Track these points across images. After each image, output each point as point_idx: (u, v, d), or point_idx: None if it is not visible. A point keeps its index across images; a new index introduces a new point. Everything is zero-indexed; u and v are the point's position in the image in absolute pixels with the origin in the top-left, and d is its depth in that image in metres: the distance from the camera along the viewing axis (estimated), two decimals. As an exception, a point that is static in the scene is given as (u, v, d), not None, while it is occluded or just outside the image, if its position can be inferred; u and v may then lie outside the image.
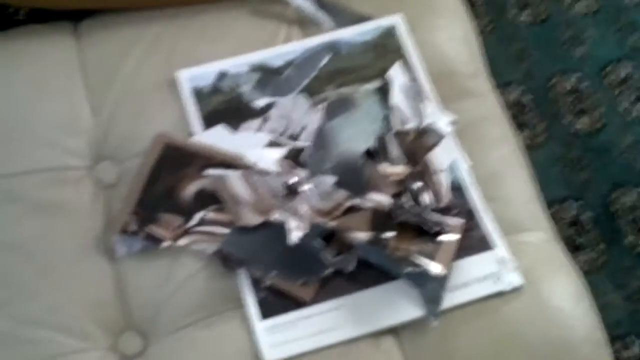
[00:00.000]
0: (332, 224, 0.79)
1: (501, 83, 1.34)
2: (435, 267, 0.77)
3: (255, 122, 0.86)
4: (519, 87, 1.35)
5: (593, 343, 0.78)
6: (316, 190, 0.82)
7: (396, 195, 0.81)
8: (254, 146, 0.85)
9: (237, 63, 0.89)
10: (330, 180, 0.82)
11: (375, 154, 0.84)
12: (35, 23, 0.95)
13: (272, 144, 0.85)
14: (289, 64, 0.90)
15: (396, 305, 0.77)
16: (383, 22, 0.92)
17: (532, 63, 1.37)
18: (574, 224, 1.25)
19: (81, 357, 0.76)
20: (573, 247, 1.23)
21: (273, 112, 0.87)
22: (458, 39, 0.95)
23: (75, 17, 0.95)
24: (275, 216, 0.80)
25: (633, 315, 1.18)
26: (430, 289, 0.76)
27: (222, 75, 0.89)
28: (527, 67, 1.37)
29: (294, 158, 0.84)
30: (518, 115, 1.33)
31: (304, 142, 0.85)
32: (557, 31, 1.40)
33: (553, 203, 1.26)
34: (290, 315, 0.77)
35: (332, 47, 0.91)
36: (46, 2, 0.94)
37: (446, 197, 0.82)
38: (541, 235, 0.83)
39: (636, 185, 1.28)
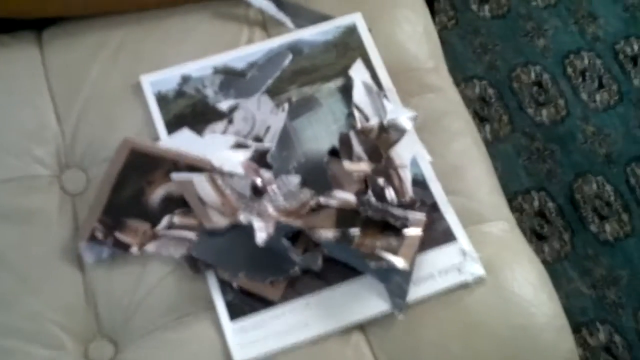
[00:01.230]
0: (298, 223, 0.80)
1: (464, 77, 1.36)
2: (399, 262, 0.78)
3: (220, 125, 0.87)
4: (482, 81, 1.37)
5: (556, 328, 0.80)
6: (281, 190, 0.83)
7: (360, 192, 0.82)
8: (219, 149, 0.85)
9: (201, 66, 0.90)
10: (295, 179, 0.84)
11: (338, 152, 0.85)
12: (-3, 33, 0.95)
13: (237, 145, 0.86)
14: (251, 65, 0.91)
15: (363, 300, 0.78)
16: (343, 20, 0.93)
17: (495, 56, 1.39)
18: (539, 214, 1.27)
19: (52, 366, 0.77)
20: (538, 237, 1.25)
21: (237, 114, 0.88)
22: (418, 35, 0.96)
23: (38, 26, 0.95)
24: (242, 217, 0.81)
25: (598, 302, 1.20)
26: (395, 283, 0.78)
27: (186, 79, 0.89)
28: (489, 60, 1.39)
29: (259, 159, 0.85)
30: (482, 108, 1.35)
31: (268, 142, 0.86)
32: (518, 24, 1.42)
33: (517, 194, 1.28)
34: (259, 315, 0.77)
35: (294, 47, 0.92)
36: (7, 12, 0.93)
37: (409, 191, 0.83)
38: (502, 225, 0.85)
39: (599, 174, 1.30)
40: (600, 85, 1.37)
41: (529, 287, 0.80)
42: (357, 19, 0.93)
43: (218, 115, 0.88)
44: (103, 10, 0.94)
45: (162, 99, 0.88)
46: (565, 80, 1.38)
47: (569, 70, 1.38)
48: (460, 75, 1.34)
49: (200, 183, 0.83)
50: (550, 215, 1.27)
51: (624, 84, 1.37)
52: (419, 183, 0.84)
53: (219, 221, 0.81)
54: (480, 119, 1.33)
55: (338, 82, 0.90)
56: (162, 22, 0.94)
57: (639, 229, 1.26)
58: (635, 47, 1.40)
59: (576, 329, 0.80)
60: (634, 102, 1.36)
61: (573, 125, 1.34)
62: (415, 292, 0.78)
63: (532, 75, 1.38)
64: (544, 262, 0.85)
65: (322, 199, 0.82)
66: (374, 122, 0.87)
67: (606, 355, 1.17)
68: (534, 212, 1.27)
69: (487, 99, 1.36)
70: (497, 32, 1.41)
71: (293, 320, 0.77)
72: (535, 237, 1.25)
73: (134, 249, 0.80)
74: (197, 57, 0.90)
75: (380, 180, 0.83)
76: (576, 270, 1.22)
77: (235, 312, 0.78)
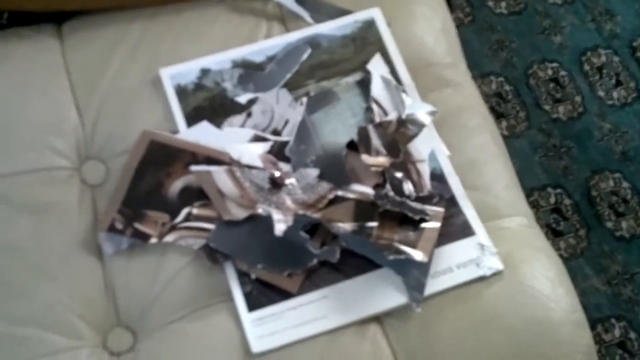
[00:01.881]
0: (316, 215, 0.81)
1: (481, 73, 1.36)
2: (417, 255, 0.78)
3: (238, 118, 0.88)
4: (498, 77, 1.37)
5: (573, 324, 0.80)
6: (300, 183, 0.83)
7: (378, 186, 0.83)
8: (237, 141, 0.86)
9: (220, 60, 0.90)
10: (313, 172, 0.84)
11: (357, 146, 0.85)
12: (18, 26, 0.95)
13: (256, 138, 0.86)
14: (270, 59, 0.91)
15: (380, 293, 0.78)
16: (362, 15, 0.93)
17: (511, 53, 1.39)
18: (555, 211, 1.27)
19: (71, 355, 0.77)
20: (554, 233, 1.25)
21: (256, 108, 0.88)
22: (436, 30, 0.96)
23: (57, 19, 0.95)
24: (260, 210, 0.81)
25: (613, 299, 1.20)
26: (413, 276, 0.78)
27: (205, 72, 0.90)
28: (506, 57, 1.39)
29: (278, 152, 0.85)
30: (498, 105, 1.35)
31: (286, 136, 0.87)
32: (534, 21, 1.42)
33: (534, 190, 1.28)
34: (277, 306, 0.78)
35: (313, 42, 0.92)
36: (29, 5, 0.94)
37: (427, 185, 0.83)
38: (520, 220, 0.85)
39: (615, 171, 1.30)
40: (618, 83, 1.37)
41: (547, 282, 0.80)
42: (375, 13, 0.93)
43: (237, 109, 0.88)
44: (123, 4, 0.95)
45: (181, 92, 0.89)
46: (582, 77, 1.37)
47: (586, 67, 1.38)
48: (477, 71, 1.33)
49: (219, 175, 0.83)
50: (567, 211, 1.27)
51: (641, 81, 1.37)
52: (437, 177, 0.84)
53: (238, 213, 0.81)
54: (496, 115, 1.33)
55: (356, 76, 0.90)
56: (181, 16, 0.94)
57: (656, 226, 1.26)
58: (653, 45, 1.40)
59: (592, 325, 0.81)
60: (651, 99, 1.35)
61: (590, 122, 1.33)
62: (433, 286, 0.78)
63: (549, 72, 1.38)
64: (560, 258, 0.85)
65: (340, 192, 0.82)
66: (392, 116, 0.87)
67: (621, 352, 1.17)
68: (550, 208, 1.27)
69: (504, 95, 1.36)
70: (513, 28, 1.41)
71: (310, 312, 0.78)
72: (552, 233, 1.25)
73: (153, 240, 0.81)
74: (215, 51, 0.91)
75: (399, 174, 0.83)
76: (592, 267, 1.22)
77: (253, 304, 0.78)
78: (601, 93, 1.36)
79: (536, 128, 1.33)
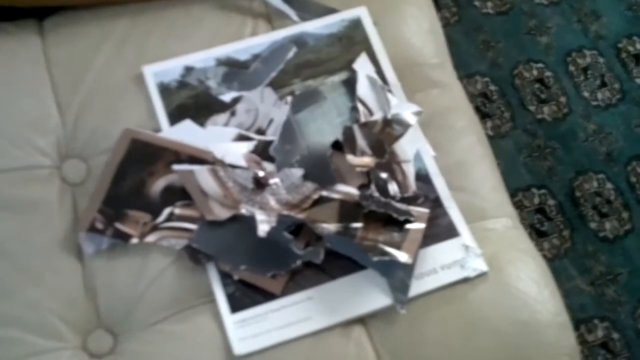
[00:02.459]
0: (300, 216, 0.80)
1: (467, 73, 1.36)
2: (402, 256, 0.78)
3: (222, 117, 0.87)
4: (484, 77, 1.37)
5: (558, 325, 0.80)
6: (284, 183, 0.83)
7: (363, 186, 0.82)
8: (221, 140, 0.85)
9: (204, 57, 0.90)
10: (297, 172, 0.83)
11: (342, 146, 0.85)
12: (-1, 21, 0.94)
13: (240, 138, 0.86)
14: (255, 57, 0.90)
15: (365, 294, 0.78)
16: (348, 14, 0.93)
17: (497, 53, 1.39)
18: (539, 211, 1.27)
19: (51, 357, 0.76)
20: (538, 234, 1.25)
21: (240, 106, 0.87)
22: (423, 30, 0.96)
23: (39, 15, 0.94)
24: (244, 210, 0.80)
25: (597, 299, 1.21)
26: (397, 277, 0.78)
27: (189, 70, 0.89)
28: (492, 57, 1.39)
29: (262, 152, 0.85)
30: (484, 105, 1.35)
31: (271, 135, 0.86)
32: (521, 21, 1.42)
33: (518, 191, 1.28)
34: (260, 308, 0.77)
35: (298, 40, 0.91)
36: (10, 0, 0.93)
37: (412, 186, 0.83)
38: (505, 221, 0.85)
39: (599, 172, 1.30)
40: (602, 84, 1.37)
41: (531, 284, 0.80)
42: (362, 12, 0.93)
43: (220, 107, 0.87)
44: (106, 0, 0.94)
45: (164, 90, 0.88)
46: (567, 78, 1.38)
47: (571, 68, 1.39)
48: (463, 71, 1.33)
49: (202, 175, 0.82)
50: (551, 212, 1.27)
51: (626, 83, 1.37)
52: (423, 178, 0.84)
53: (221, 213, 0.80)
54: (482, 115, 1.33)
55: (342, 75, 0.89)
56: (166, 14, 0.93)
57: (639, 227, 1.26)
58: (638, 46, 1.41)
59: (575, 326, 0.81)
60: (635, 100, 1.36)
61: (574, 123, 1.34)
62: (418, 287, 0.78)
63: (535, 72, 1.38)
64: (544, 259, 0.85)
65: (325, 193, 0.82)
66: (378, 116, 0.87)
67: (604, 352, 1.17)
68: (534, 209, 1.27)
69: (489, 95, 1.36)
70: (499, 29, 1.41)
71: (294, 314, 0.77)
72: (536, 233, 1.25)
73: (135, 240, 0.80)
74: (201, 49, 0.90)
75: (384, 175, 0.83)
76: (576, 268, 1.23)
77: (236, 305, 0.77)
78: (586, 94, 1.37)
79: (521, 128, 1.33)
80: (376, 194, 0.81)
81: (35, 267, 0.80)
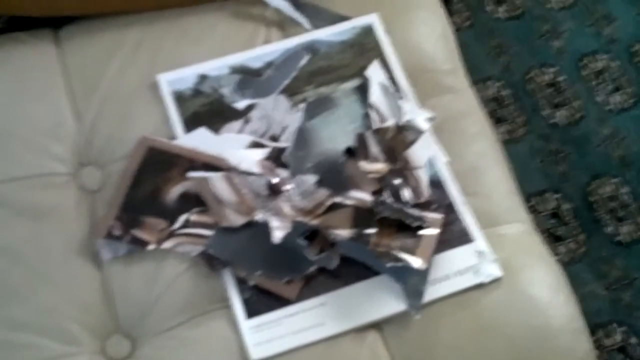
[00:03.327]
0: (314, 222, 0.81)
1: (480, 78, 1.36)
2: (416, 262, 0.78)
3: (236, 124, 0.87)
4: (497, 82, 1.37)
5: (572, 331, 0.79)
6: (298, 189, 0.83)
7: (377, 192, 0.82)
8: (235, 148, 0.86)
9: (218, 65, 0.90)
10: (311, 179, 0.84)
11: (355, 152, 0.85)
12: (16, 31, 0.95)
13: (254, 145, 0.86)
14: (268, 65, 0.91)
15: (379, 300, 0.78)
16: (360, 21, 0.93)
17: (510, 57, 1.39)
18: (554, 216, 1.27)
19: (69, 362, 0.77)
20: (553, 238, 1.25)
21: (254, 114, 0.88)
22: (436, 36, 0.96)
23: (55, 24, 0.95)
24: (258, 216, 0.81)
25: (614, 304, 1.20)
26: (412, 283, 0.78)
27: (203, 78, 0.90)
28: (505, 62, 1.39)
29: (276, 158, 0.85)
30: (497, 110, 1.35)
31: (285, 142, 0.86)
32: (534, 25, 1.42)
33: (533, 195, 1.27)
34: (275, 313, 0.78)
35: (311, 48, 0.92)
36: (26, 9, 0.94)
37: (425, 192, 0.83)
38: (519, 227, 0.85)
39: (614, 176, 1.30)
40: (616, 88, 1.37)
41: (546, 290, 0.80)
42: (374, 19, 0.93)
43: (234, 115, 0.88)
44: (121, 8, 0.95)
45: (179, 98, 0.89)
46: (580, 83, 1.37)
47: (585, 72, 1.38)
48: (476, 76, 1.33)
49: (217, 181, 0.83)
50: (565, 216, 1.27)
51: (640, 87, 1.37)
52: (436, 184, 0.84)
53: (235, 220, 0.81)
54: (495, 120, 1.33)
55: (355, 82, 0.90)
56: (180, 21, 0.94)
57: (655, 232, 1.25)
58: (652, 50, 1.40)
59: (592, 330, 0.81)
60: (649, 105, 1.35)
61: (588, 127, 1.33)
62: (432, 293, 0.78)
63: (548, 76, 1.38)
64: (559, 264, 0.85)
65: (338, 199, 0.82)
66: (390, 122, 0.87)
67: (622, 356, 1.17)
68: (549, 214, 1.27)
69: (503, 100, 1.36)
70: (512, 33, 1.41)
71: (309, 319, 0.77)
72: (551, 238, 1.25)
73: (152, 246, 0.81)
74: (214, 57, 0.91)
75: (397, 181, 0.83)
76: (591, 272, 1.22)
77: (252, 311, 0.78)
78: (600, 98, 1.36)
79: (535, 133, 1.33)
80: (389, 200, 0.81)
81: (52, 272, 0.81)
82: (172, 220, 0.82)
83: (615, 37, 1.41)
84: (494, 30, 1.41)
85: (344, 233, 0.80)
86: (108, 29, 0.94)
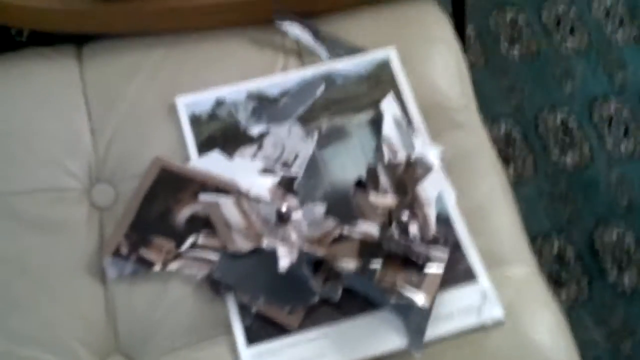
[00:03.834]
0: (320, 252, 0.81)
1: (491, 116, 1.37)
2: (420, 299, 0.78)
3: (250, 149, 0.88)
4: (508, 121, 1.38)
5: (572, 377, 0.79)
6: (306, 218, 0.84)
7: (384, 225, 0.83)
8: (247, 173, 0.86)
9: (235, 90, 0.92)
10: (320, 208, 0.84)
11: (365, 184, 0.86)
12: (37, 45, 0.97)
13: (265, 171, 0.87)
14: (285, 92, 0.92)
15: (381, 335, 0.78)
16: (377, 54, 0.94)
17: (522, 97, 1.40)
18: (558, 259, 1.26)
19: (67, 379, 0.77)
20: (556, 282, 1.24)
21: (267, 140, 0.89)
22: (451, 72, 0.97)
23: (78, 41, 0.97)
24: (266, 243, 0.81)
25: (613, 353, 1.19)
26: (414, 320, 0.78)
27: (220, 102, 0.91)
28: (517, 101, 1.40)
29: (286, 185, 0.86)
30: (506, 149, 1.36)
31: (296, 169, 0.87)
32: (547, 66, 1.43)
33: (537, 237, 1.27)
34: (276, 342, 0.78)
35: (327, 78, 0.93)
36: (49, 26, 0.96)
37: (432, 229, 0.83)
38: (524, 269, 0.85)
39: (620, 223, 1.29)
40: (626, 133, 1.37)
41: (547, 334, 0.80)
42: (390, 53, 0.94)
43: (248, 140, 0.89)
44: (143, 29, 0.96)
45: (195, 121, 0.90)
46: (591, 126, 1.38)
47: (596, 116, 1.39)
48: (487, 114, 1.34)
49: (227, 205, 0.84)
50: (569, 261, 1.26)
51: (650, 134, 1.37)
52: (443, 220, 0.84)
53: (243, 245, 0.82)
54: (504, 160, 1.34)
55: (368, 114, 0.91)
56: (200, 45, 0.96)
57: (659, 281, 1.25)
58: (663, 98, 1.41)
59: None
60: (658, 153, 1.36)
61: (596, 171, 1.34)
62: (433, 331, 0.78)
63: (559, 119, 1.38)
64: (561, 309, 0.85)
65: (346, 229, 0.83)
66: (401, 156, 0.88)
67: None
68: (553, 257, 1.26)
69: (512, 139, 1.37)
70: (525, 73, 1.42)
71: (309, 350, 0.77)
72: (553, 282, 1.24)
73: (157, 267, 0.81)
74: (232, 81, 0.92)
75: (405, 215, 0.84)
76: (592, 319, 1.21)
77: (252, 338, 0.78)
78: (609, 143, 1.37)
79: (543, 174, 1.33)
80: (396, 235, 0.82)
81: (57, 286, 0.81)
82: (180, 242, 0.82)
83: (627, 83, 1.42)
84: (507, 69, 1.42)
85: (349, 264, 0.80)
86: (129, 49, 0.95)
